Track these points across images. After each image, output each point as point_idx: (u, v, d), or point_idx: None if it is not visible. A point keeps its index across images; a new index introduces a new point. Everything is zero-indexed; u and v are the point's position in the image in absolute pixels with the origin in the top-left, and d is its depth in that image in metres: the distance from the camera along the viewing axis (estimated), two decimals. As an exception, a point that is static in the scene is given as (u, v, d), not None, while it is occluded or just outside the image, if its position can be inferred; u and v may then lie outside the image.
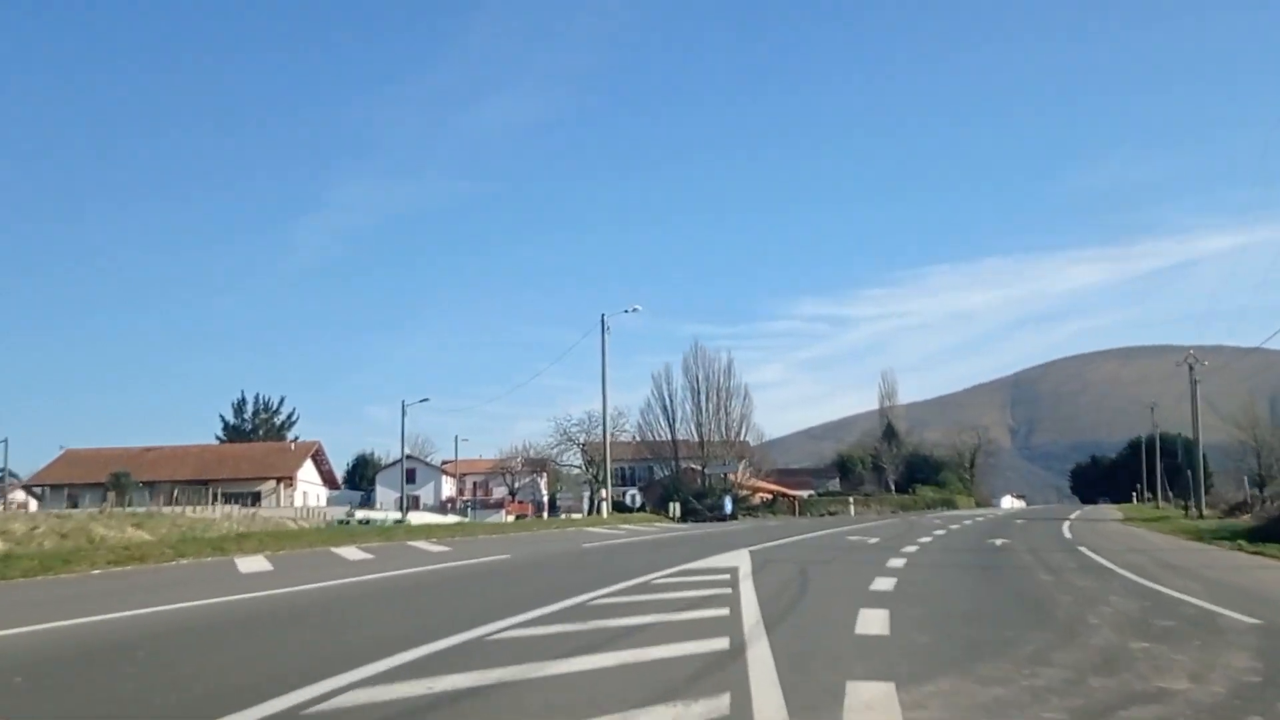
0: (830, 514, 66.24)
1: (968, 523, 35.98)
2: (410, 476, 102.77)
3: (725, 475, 58.43)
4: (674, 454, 62.77)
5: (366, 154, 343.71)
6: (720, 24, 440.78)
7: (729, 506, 51.98)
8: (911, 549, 19.68)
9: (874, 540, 23.41)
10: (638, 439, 68.34)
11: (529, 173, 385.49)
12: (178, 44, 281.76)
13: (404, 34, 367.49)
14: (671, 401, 63.61)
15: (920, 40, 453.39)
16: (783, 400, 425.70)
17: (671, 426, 63.35)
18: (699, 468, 60.53)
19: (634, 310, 44.25)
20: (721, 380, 63.54)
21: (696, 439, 62.27)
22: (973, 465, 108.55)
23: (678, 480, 59.43)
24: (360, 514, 60.39)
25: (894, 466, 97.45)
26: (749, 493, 61.57)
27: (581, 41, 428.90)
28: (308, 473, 76.40)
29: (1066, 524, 34.87)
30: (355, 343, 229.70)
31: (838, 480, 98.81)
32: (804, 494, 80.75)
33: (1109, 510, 64.85)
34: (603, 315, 43.37)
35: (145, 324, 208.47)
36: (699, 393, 62.93)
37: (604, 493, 42.74)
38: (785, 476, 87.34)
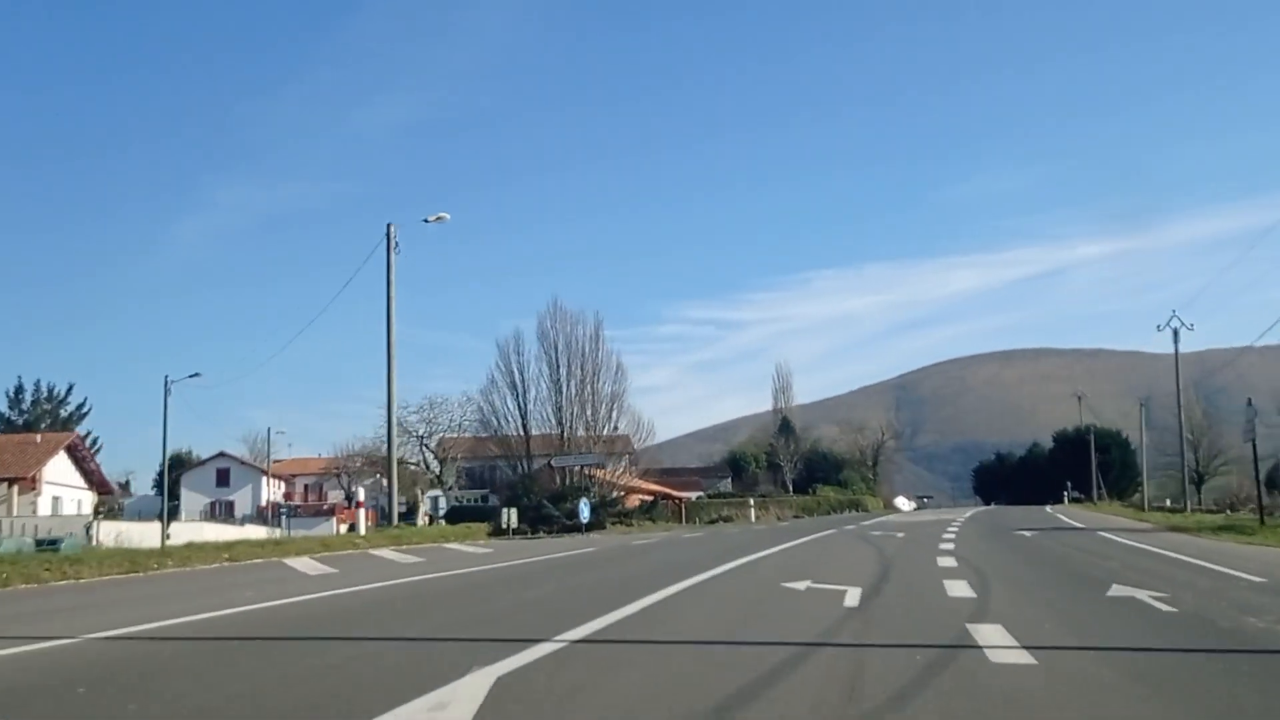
0: (724, 519, 54.03)
1: (953, 530, 23.10)
2: (223, 478, 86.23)
3: (585, 471, 44.45)
4: (525, 445, 48.55)
5: (247, 157, 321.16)
6: (604, 21, 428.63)
7: (586, 513, 38.20)
8: (993, 631, 6.74)
9: (851, 601, 10.39)
10: (484, 433, 54.15)
11: (411, 174, 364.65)
12: (63, 53, 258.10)
13: (286, 36, 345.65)
14: (523, 376, 49.17)
15: (800, 43, 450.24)
16: (669, 404, 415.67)
17: (523, 409, 48.84)
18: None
19: (439, 219, 30.46)
20: (587, 349, 49.36)
21: (555, 425, 48.11)
22: (876, 464, 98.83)
23: (529, 480, 45.61)
24: (111, 526, 45.84)
25: (791, 464, 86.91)
26: (621, 494, 47.94)
27: (464, 40, 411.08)
28: (61, 473, 59.54)
29: (1106, 534, 22.77)
30: (235, 346, 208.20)
31: (730, 480, 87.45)
32: (692, 495, 68.85)
33: (1104, 517, 46.68)
34: (389, 225, 29.50)
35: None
36: (557, 366, 48.61)
37: (360, 494, 28.77)
38: (669, 476, 74.89)
